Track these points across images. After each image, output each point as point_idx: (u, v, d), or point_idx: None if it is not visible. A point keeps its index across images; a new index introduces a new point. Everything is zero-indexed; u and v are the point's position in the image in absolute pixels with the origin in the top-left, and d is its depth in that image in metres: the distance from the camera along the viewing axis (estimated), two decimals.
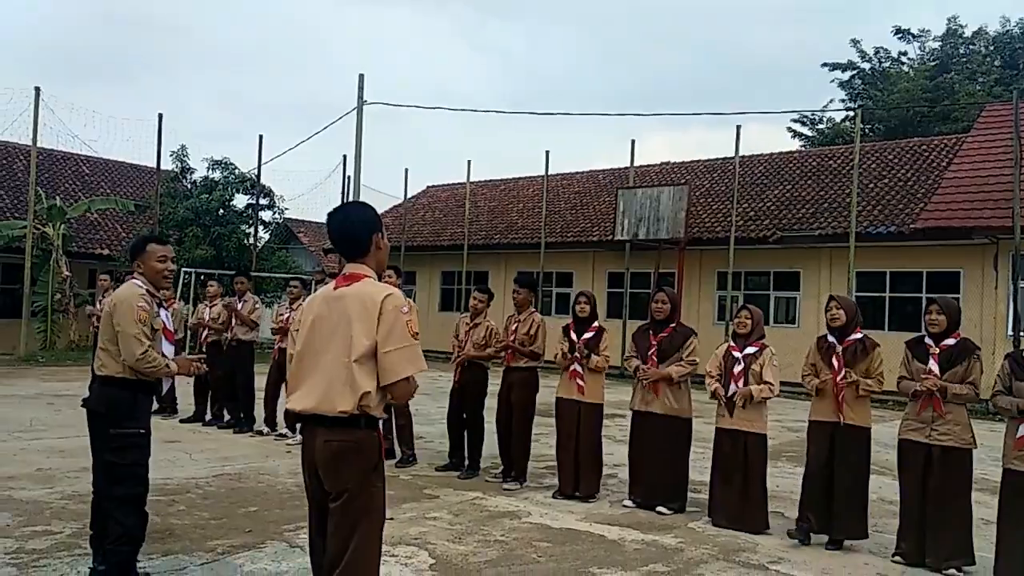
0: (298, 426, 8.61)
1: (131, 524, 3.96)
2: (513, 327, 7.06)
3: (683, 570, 4.81)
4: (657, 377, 6.16)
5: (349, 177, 20.95)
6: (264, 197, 23.30)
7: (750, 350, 5.87)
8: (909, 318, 16.11)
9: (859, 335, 5.58)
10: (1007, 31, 32.02)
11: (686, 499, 6.26)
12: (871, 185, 18.56)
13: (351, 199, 20.18)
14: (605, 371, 6.64)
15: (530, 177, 26.49)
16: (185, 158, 22.91)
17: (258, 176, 22.70)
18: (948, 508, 5.03)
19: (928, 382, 5.04)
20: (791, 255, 18.40)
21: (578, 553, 5.05)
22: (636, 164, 21.17)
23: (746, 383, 5.79)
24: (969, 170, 16.94)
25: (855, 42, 33.48)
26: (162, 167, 21.68)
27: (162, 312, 4.24)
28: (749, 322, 5.96)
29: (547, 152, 22.03)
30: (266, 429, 9.00)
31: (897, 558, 5.17)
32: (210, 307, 9.78)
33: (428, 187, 30.75)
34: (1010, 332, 14.87)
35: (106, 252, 21.87)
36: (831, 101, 34.87)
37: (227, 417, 9.49)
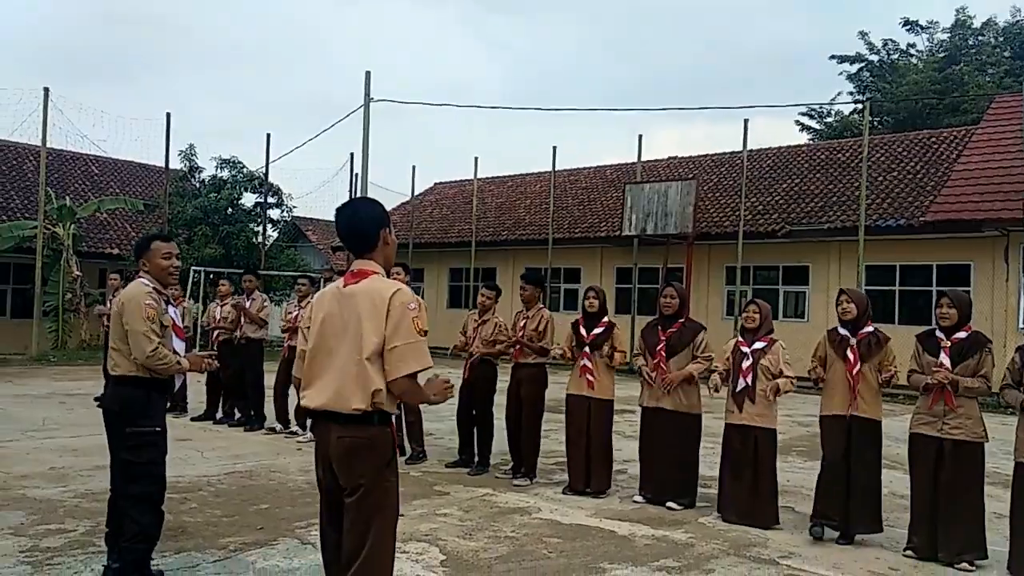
0: (308, 422, 8.68)
1: (147, 522, 3.99)
2: (521, 323, 7.07)
3: (694, 565, 4.81)
4: (679, 380, 6.14)
5: (357, 174, 21.04)
6: (272, 195, 23.41)
7: (759, 345, 5.86)
8: (919, 311, 16.04)
9: (871, 328, 5.56)
10: (1017, 22, 31.81)
11: (696, 495, 6.26)
12: (880, 178, 18.47)
13: (359, 196, 20.22)
14: (624, 366, 6.62)
15: (537, 173, 26.47)
16: (193, 157, 23.03)
17: (266, 175, 22.78)
18: (960, 502, 5.01)
19: (939, 375, 5.02)
20: (800, 249, 18.34)
21: (588, 549, 5.05)
22: (643, 159, 21.12)
23: (755, 378, 5.77)
24: (979, 162, 16.84)
25: (863, 34, 33.39)
26: (170, 166, 21.79)
27: (170, 309, 4.26)
28: (757, 316, 5.94)
29: (554, 148, 22.03)
30: (279, 426, 9.03)
31: (909, 552, 5.15)
32: (221, 306, 9.82)
33: (435, 184, 30.79)
34: (1021, 325, 14.81)
35: (116, 252, 22.00)
36: (839, 94, 34.84)
37: (238, 415, 9.53)
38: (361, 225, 3.10)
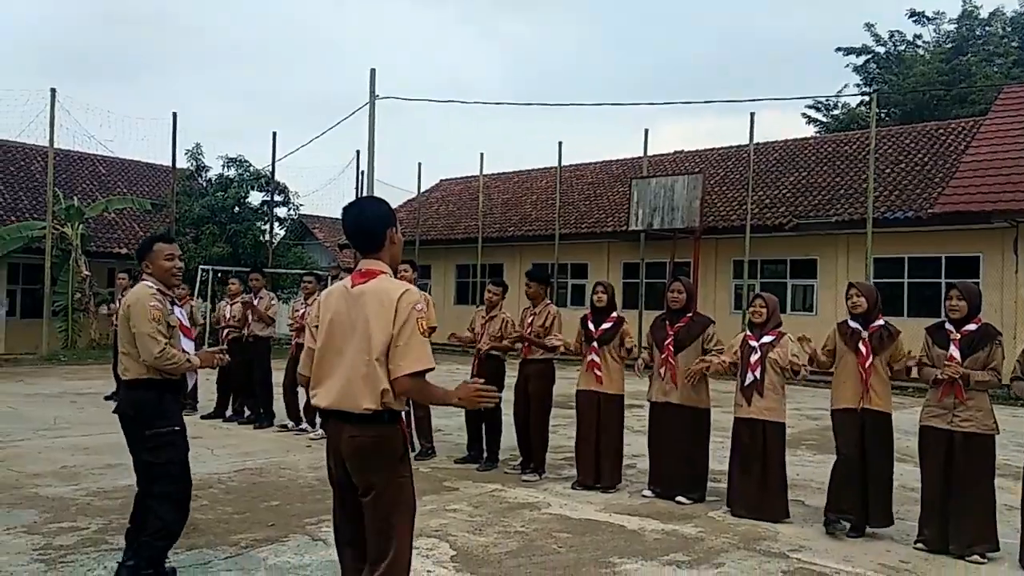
0: (318, 420, 8.71)
1: (171, 520, 4.02)
2: (529, 319, 7.07)
3: (703, 559, 4.81)
4: (698, 372, 6.04)
5: (363, 172, 21.05)
6: (279, 194, 23.48)
7: (767, 339, 5.85)
8: (928, 304, 15.98)
9: (881, 321, 5.55)
10: None
11: (705, 489, 6.25)
12: (888, 170, 18.40)
13: (365, 194, 20.25)
14: (626, 361, 6.62)
15: (543, 169, 26.46)
16: (200, 156, 23.10)
17: (272, 173, 22.85)
18: (971, 494, 4.99)
19: (950, 370, 5.00)
20: (807, 242, 18.28)
21: (598, 543, 5.06)
22: (649, 153, 21.09)
23: (763, 372, 5.76)
24: (987, 153, 16.76)
25: (869, 26, 33.18)
26: (177, 166, 21.86)
27: (176, 309, 4.28)
28: (764, 310, 5.93)
29: (560, 143, 22.05)
30: (290, 424, 9.07)
31: (919, 545, 5.14)
32: (231, 305, 9.87)
33: (441, 181, 30.80)
34: None
35: (124, 251, 22.10)
36: (846, 86, 34.60)
37: (247, 413, 9.57)
38: (368, 224, 3.11)
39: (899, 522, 5.55)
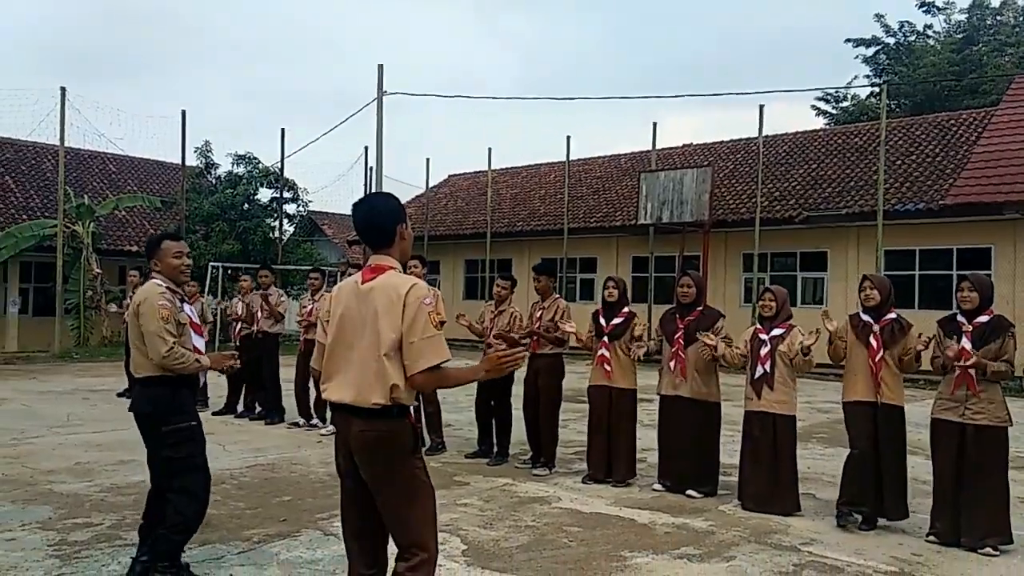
0: (329, 415, 8.74)
1: (190, 514, 4.06)
2: (538, 314, 7.07)
3: (715, 553, 4.81)
4: (710, 345, 5.96)
5: (371, 168, 21.05)
6: (288, 190, 23.52)
7: (777, 332, 5.83)
8: (940, 296, 15.87)
9: (893, 315, 5.52)
10: None
11: (716, 482, 6.25)
12: (898, 162, 18.29)
13: (374, 190, 20.28)
14: (640, 356, 6.60)
15: (551, 163, 26.42)
16: (209, 154, 23.16)
17: (281, 170, 22.88)
18: (983, 487, 4.97)
19: (950, 352, 4.96)
20: (817, 235, 18.20)
21: (609, 537, 5.07)
22: (658, 147, 21.01)
23: (773, 365, 5.75)
24: (999, 144, 16.63)
25: (879, 16, 32.94)
26: (187, 163, 21.92)
27: (186, 307, 4.29)
28: (773, 304, 5.91)
29: (568, 137, 21.96)
30: (301, 421, 9.10)
31: (931, 538, 5.12)
32: (242, 302, 9.92)
33: (450, 176, 30.81)
34: None
35: (135, 249, 22.20)
36: (855, 77, 34.43)
37: (258, 409, 9.62)
38: (378, 220, 3.12)
39: (911, 515, 5.53)
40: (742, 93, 40.40)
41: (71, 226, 19.52)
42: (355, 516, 3.08)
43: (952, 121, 19.64)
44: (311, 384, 9.04)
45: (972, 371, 4.96)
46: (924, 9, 32.92)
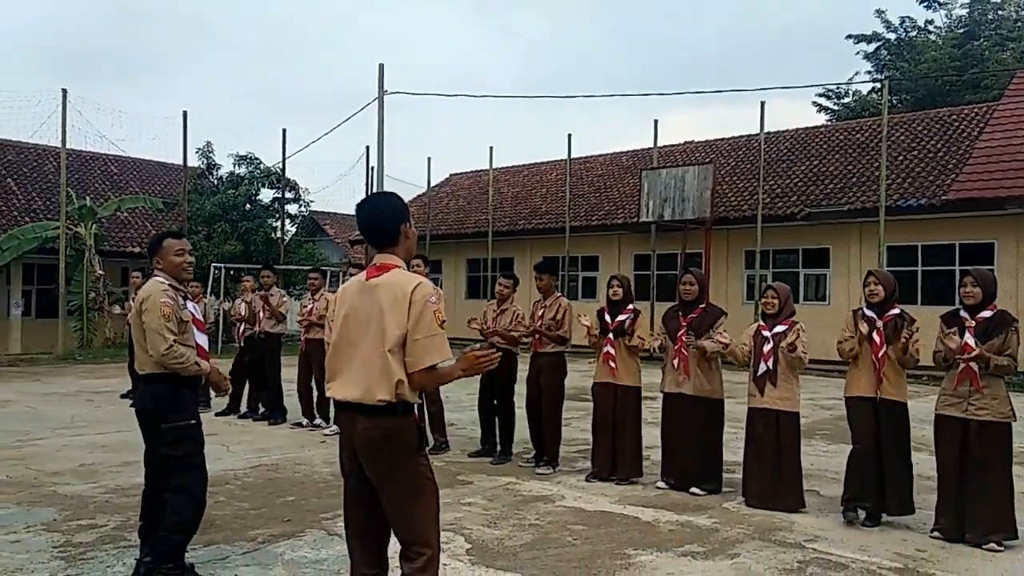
0: (332, 414, 8.73)
1: (187, 513, 4.06)
2: (540, 312, 7.07)
3: (719, 550, 4.81)
4: (695, 347, 6.08)
5: (373, 168, 21.05)
6: (289, 191, 23.52)
7: (779, 328, 5.83)
8: (942, 291, 15.86)
9: (897, 310, 5.52)
10: None
11: (720, 480, 6.24)
12: (900, 157, 18.26)
13: (375, 190, 20.28)
14: (641, 352, 6.62)
15: (553, 161, 26.40)
16: (211, 155, 23.17)
17: (283, 170, 22.89)
18: (987, 482, 4.97)
19: (952, 342, 4.95)
20: (820, 232, 18.18)
21: (613, 535, 5.07)
22: (659, 144, 20.99)
23: (776, 362, 5.75)
24: (1001, 139, 16.60)
25: (879, 12, 32.81)
26: (188, 164, 21.93)
27: (189, 304, 4.30)
28: (776, 301, 5.91)
29: (569, 135, 21.98)
30: (305, 421, 9.11)
31: (936, 534, 5.12)
32: (245, 302, 9.93)
33: (451, 175, 30.79)
34: None
35: (137, 250, 22.25)
36: (856, 73, 34.33)
37: (261, 409, 9.63)
38: (381, 220, 3.13)
39: (916, 511, 5.52)
40: (743, 90, 40.52)
41: (73, 228, 19.53)
42: (358, 515, 3.08)
43: (954, 116, 19.60)
44: (313, 384, 9.07)
45: (975, 366, 4.96)
46: (925, 4, 32.82)
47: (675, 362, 6.25)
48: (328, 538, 4.89)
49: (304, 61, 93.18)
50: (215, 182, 23.21)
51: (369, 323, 2.97)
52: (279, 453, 7.58)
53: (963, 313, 5.18)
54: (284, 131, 22.62)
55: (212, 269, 19.28)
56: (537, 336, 7.02)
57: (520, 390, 7.29)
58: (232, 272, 19.72)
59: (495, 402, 7.40)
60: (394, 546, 3.07)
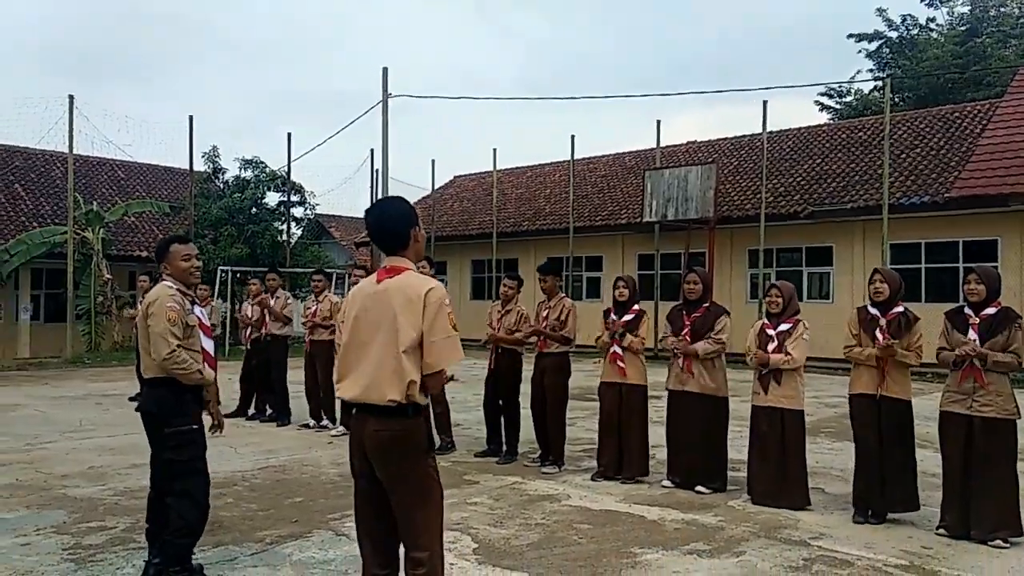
0: (338, 415, 8.78)
1: (191, 517, 4.09)
2: (544, 313, 7.10)
3: (724, 548, 4.82)
4: (683, 350, 6.15)
5: (377, 171, 21.08)
6: (295, 194, 23.57)
7: (784, 327, 5.84)
8: (946, 289, 15.84)
9: (901, 308, 5.53)
10: None
11: (725, 478, 6.25)
12: (903, 155, 18.24)
13: (380, 193, 20.33)
14: (642, 352, 6.65)
15: (556, 162, 26.43)
16: (217, 159, 23.24)
17: (288, 173, 22.94)
18: (991, 479, 4.97)
19: (968, 347, 4.98)
20: (823, 230, 18.16)
21: (619, 534, 5.08)
22: (662, 144, 21.01)
23: None
24: (1004, 136, 16.57)
25: (881, 11, 32.74)
26: (194, 168, 22.01)
27: (196, 309, 4.33)
28: (780, 300, 5.92)
29: (572, 136, 22.06)
30: (312, 422, 9.15)
31: (941, 531, 5.13)
32: (252, 305, 9.98)
33: (455, 177, 30.84)
34: None
35: (145, 254, 22.31)
36: (859, 72, 34.26)
37: (269, 411, 9.67)
38: (391, 225, 3.16)
39: (921, 508, 5.53)
40: (745, 90, 40.54)
41: (81, 233, 19.62)
42: (369, 516, 3.10)
43: (956, 114, 19.57)
44: (319, 385, 9.10)
45: (979, 363, 4.97)
46: (926, 2, 32.76)
47: (679, 360, 6.27)
48: (336, 539, 4.91)
49: (306, 62, 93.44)
50: (221, 186, 23.29)
51: (381, 324, 3.00)
52: (286, 454, 7.62)
53: (967, 310, 5.19)
54: (289, 135, 22.70)
55: (219, 272, 19.33)
56: (541, 336, 7.05)
57: (525, 390, 7.32)
58: (238, 275, 19.78)
59: (501, 402, 7.43)
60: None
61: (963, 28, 31.24)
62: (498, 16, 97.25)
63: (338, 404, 8.90)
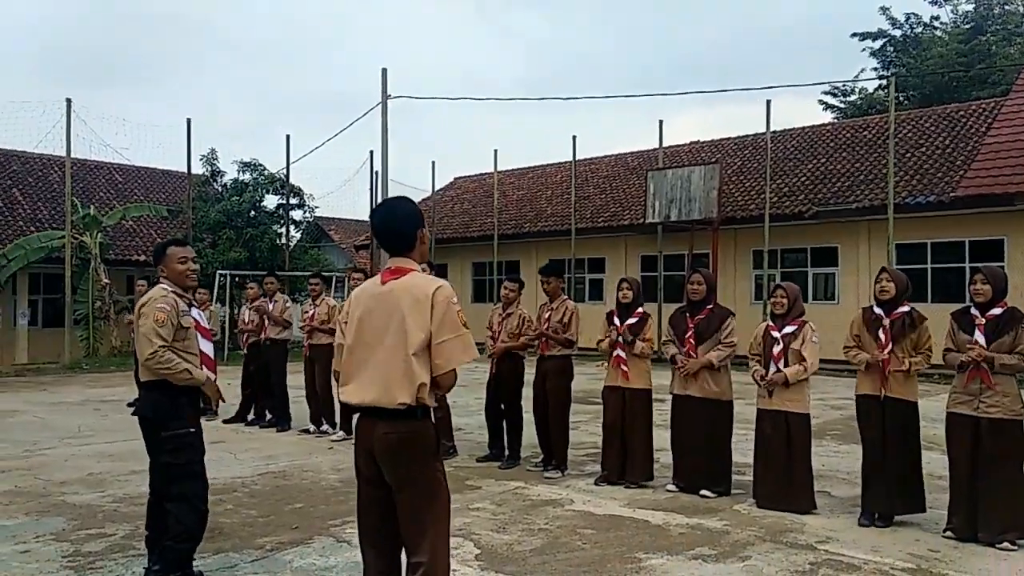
0: (338, 421, 8.71)
1: (190, 522, 4.06)
2: (546, 315, 7.04)
3: (730, 553, 4.77)
4: (699, 367, 6.10)
5: (377, 172, 21.03)
6: (294, 197, 23.52)
7: (789, 329, 5.79)
8: (952, 289, 15.77)
9: (906, 308, 5.47)
10: None
11: (730, 482, 6.20)
12: (908, 155, 18.17)
13: (380, 195, 20.30)
14: (650, 356, 6.59)
15: (558, 163, 26.37)
16: (215, 162, 23.20)
17: (287, 176, 22.90)
18: (999, 480, 4.92)
19: (973, 352, 4.93)
20: (828, 230, 18.10)
21: (623, 539, 5.03)
22: (665, 145, 20.96)
23: (786, 363, 5.70)
24: (1009, 134, 16.49)
25: (884, 9, 32.70)
26: (192, 171, 21.97)
27: (194, 311, 4.30)
28: (785, 301, 5.87)
29: (574, 137, 21.93)
30: (312, 427, 9.10)
31: (948, 533, 5.08)
32: (249, 310, 9.93)
33: (455, 179, 30.81)
34: None
35: (143, 258, 22.28)
36: (863, 71, 34.23)
37: (268, 416, 9.61)
38: (398, 225, 3.12)
39: (928, 511, 5.48)
40: (749, 89, 40.39)
41: (79, 237, 19.57)
42: (373, 521, 3.07)
43: (961, 112, 19.50)
44: (318, 390, 9.04)
45: (986, 366, 4.92)
46: (931, 1, 32.70)
47: (684, 372, 6.20)
48: (337, 545, 4.86)
49: (305, 64, 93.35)
50: (219, 189, 23.25)
51: (388, 326, 2.96)
52: (286, 460, 7.57)
53: (973, 311, 5.15)
54: (288, 137, 22.67)
55: (217, 276, 19.29)
56: (544, 339, 6.99)
57: (527, 394, 7.26)
58: (237, 279, 19.74)
59: (502, 406, 7.37)
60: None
61: (967, 26, 31.16)
62: (498, 16, 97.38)
63: (337, 407, 8.85)
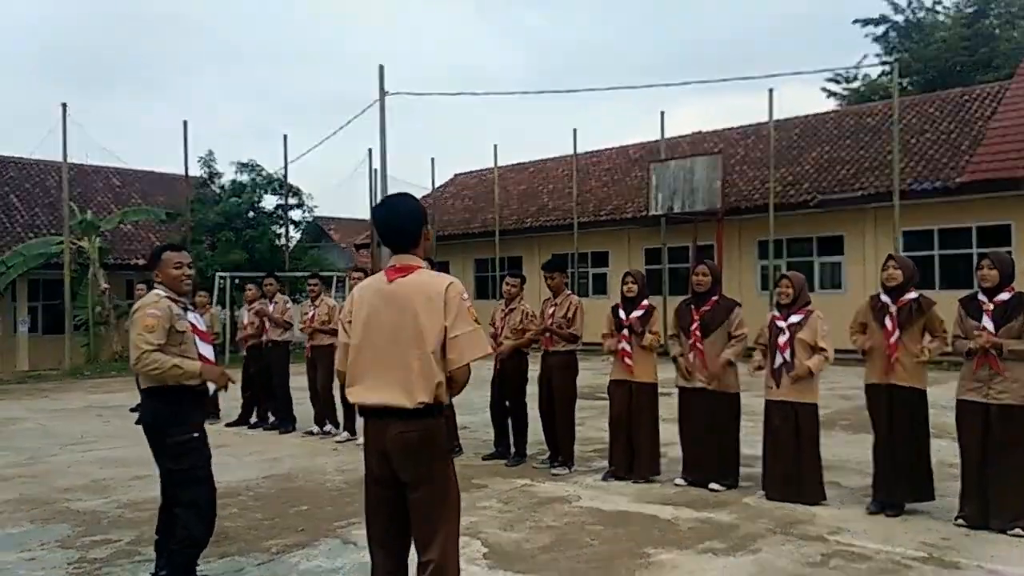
0: (342, 422, 8.67)
1: (196, 530, 4.03)
2: (551, 310, 6.98)
3: (740, 546, 4.72)
4: (717, 368, 6.01)
5: (376, 170, 20.96)
6: (293, 197, 23.47)
7: (795, 319, 5.74)
8: (960, 275, 15.66)
9: (914, 295, 5.41)
10: None
11: (739, 474, 6.14)
12: (913, 140, 18.05)
13: (379, 193, 20.22)
14: (657, 350, 6.53)
15: (559, 157, 26.23)
16: (212, 163, 23.16)
17: (285, 176, 22.86)
18: (1010, 467, 4.88)
19: (981, 339, 4.88)
20: (833, 219, 18.00)
21: (632, 535, 4.98)
22: (667, 136, 20.84)
23: (792, 353, 5.65)
24: (1014, 118, 16.40)
25: None
26: (190, 173, 21.87)
27: (190, 314, 4.26)
28: (790, 291, 5.81)
29: (575, 130, 21.82)
30: (316, 429, 9.06)
31: (960, 521, 5.03)
32: (249, 312, 9.89)
33: (456, 175, 30.70)
34: None
35: (142, 262, 22.23)
36: (865, 57, 34.06)
37: (271, 419, 9.57)
38: (402, 222, 3.09)
39: (939, 499, 5.44)
40: (750, 78, 40.29)
41: (77, 242, 19.49)
42: (382, 522, 3.05)
43: (966, 97, 19.36)
44: (320, 390, 8.99)
45: (995, 352, 4.87)
46: None
47: (690, 356, 6.15)
48: (343, 546, 4.83)
49: (304, 63, 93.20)
50: (218, 191, 23.21)
51: (401, 326, 2.93)
52: (291, 462, 7.53)
53: (981, 297, 5.10)
54: (285, 137, 22.62)
55: (217, 279, 19.24)
56: (548, 335, 6.93)
57: (532, 390, 7.20)
58: (237, 281, 19.69)
59: (507, 403, 7.32)
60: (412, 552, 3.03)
61: (970, 10, 30.96)
62: (496, 11, 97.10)
63: (339, 408, 8.81)
